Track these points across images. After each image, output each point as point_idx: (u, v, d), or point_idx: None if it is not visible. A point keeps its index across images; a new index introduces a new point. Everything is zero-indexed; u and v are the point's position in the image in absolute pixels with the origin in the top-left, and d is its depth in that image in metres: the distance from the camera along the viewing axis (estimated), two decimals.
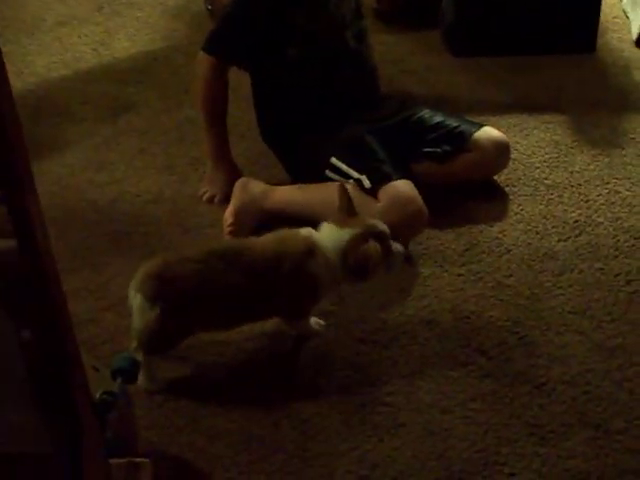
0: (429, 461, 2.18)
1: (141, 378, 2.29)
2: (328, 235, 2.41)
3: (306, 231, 2.43)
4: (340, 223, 2.41)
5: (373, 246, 2.35)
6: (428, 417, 2.29)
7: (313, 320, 2.52)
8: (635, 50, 3.95)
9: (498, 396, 2.33)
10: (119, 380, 2.02)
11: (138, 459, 1.94)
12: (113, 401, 1.93)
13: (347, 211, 2.44)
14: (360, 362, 2.45)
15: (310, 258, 2.36)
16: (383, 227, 2.42)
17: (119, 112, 3.58)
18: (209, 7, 4.11)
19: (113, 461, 1.86)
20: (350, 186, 2.78)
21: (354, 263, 2.36)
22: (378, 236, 2.38)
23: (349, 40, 3.04)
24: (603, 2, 3.91)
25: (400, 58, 3.89)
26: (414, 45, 4.00)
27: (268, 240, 2.42)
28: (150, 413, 2.30)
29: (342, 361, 2.45)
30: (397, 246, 2.44)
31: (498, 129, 3.10)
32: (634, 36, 3.98)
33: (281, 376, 2.42)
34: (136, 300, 2.29)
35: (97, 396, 1.91)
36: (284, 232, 2.45)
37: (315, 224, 2.81)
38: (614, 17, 4.19)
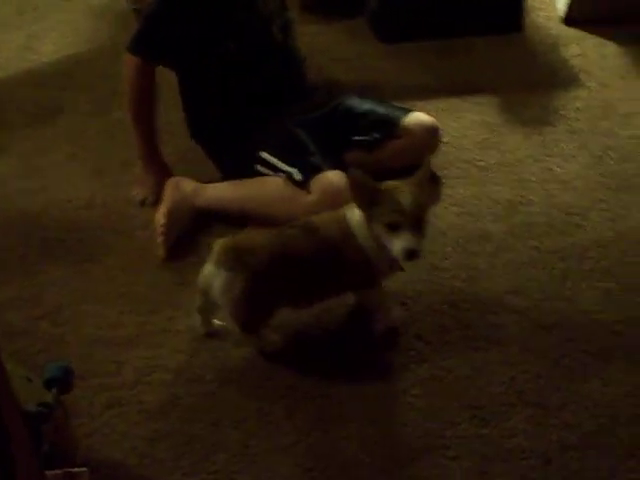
0: (374, 449, 2.18)
1: (198, 322, 2.45)
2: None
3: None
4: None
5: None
6: (371, 405, 2.29)
7: None
8: (562, 27, 3.98)
9: (438, 380, 2.34)
10: (54, 390, 2.00)
11: (75, 469, 1.91)
12: (49, 412, 1.91)
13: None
14: (301, 354, 2.44)
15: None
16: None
17: (47, 117, 3.53)
18: (135, 7, 4.06)
19: (49, 473, 1.83)
20: (281, 180, 2.78)
21: None
22: None
23: (276, 34, 3.02)
24: None
25: (328, 47, 3.88)
26: (341, 34, 4.00)
27: (329, 217, 2.42)
28: (91, 420, 2.28)
29: (282, 355, 2.43)
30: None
31: (428, 113, 3.10)
32: (560, 13, 4.01)
33: (218, 375, 2.39)
34: (219, 277, 2.30)
35: (32, 407, 1.88)
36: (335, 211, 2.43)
37: (247, 219, 2.81)
38: None
